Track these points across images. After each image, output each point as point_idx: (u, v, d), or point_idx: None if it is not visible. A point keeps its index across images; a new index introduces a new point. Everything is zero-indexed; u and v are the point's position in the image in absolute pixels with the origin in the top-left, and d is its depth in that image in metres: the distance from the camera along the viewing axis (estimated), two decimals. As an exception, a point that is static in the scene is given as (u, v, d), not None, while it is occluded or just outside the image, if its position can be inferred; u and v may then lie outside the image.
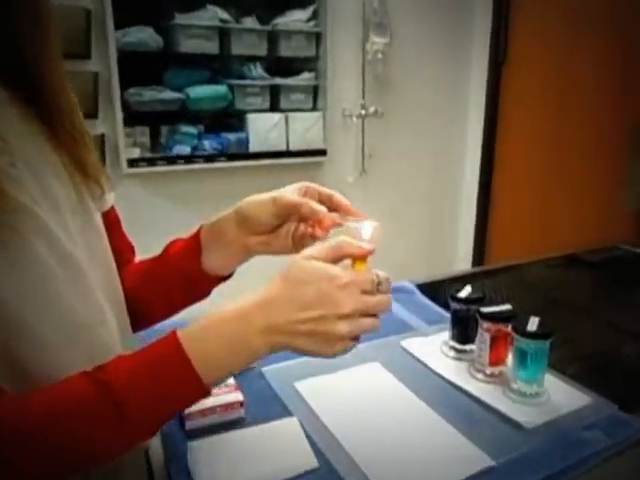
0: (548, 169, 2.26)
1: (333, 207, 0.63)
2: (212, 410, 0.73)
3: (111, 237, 0.64)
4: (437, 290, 1.19)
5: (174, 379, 0.48)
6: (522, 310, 0.80)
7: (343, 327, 0.50)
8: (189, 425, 0.72)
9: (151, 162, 1.92)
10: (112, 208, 0.69)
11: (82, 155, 0.58)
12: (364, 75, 2.33)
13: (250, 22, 2.01)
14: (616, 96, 1.93)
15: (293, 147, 2.19)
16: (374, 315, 0.52)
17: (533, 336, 0.74)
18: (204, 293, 0.69)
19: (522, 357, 0.76)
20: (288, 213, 0.62)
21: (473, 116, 2.60)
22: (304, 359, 0.85)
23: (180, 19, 1.84)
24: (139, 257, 0.76)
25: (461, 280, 1.25)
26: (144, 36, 1.79)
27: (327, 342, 0.50)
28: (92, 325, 0.54)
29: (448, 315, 1.03)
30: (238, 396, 0.76)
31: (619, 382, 0.87)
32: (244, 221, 0.63)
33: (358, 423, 0.73)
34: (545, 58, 2.21)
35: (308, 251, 0.53)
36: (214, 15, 1.90)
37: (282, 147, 2.17)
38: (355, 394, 0.80)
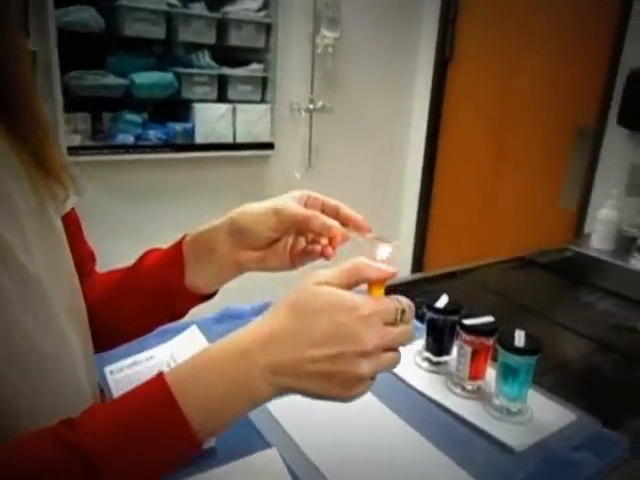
0: (491, 169, 2.34)
1: (340, 220, 0.57)
2: None
3: (71, 244, 0.55)
4: (399, 294, 1.20)
5: (162, 436, 0.39)
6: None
7: (365, 367, 0.42)
8: None
9: (93, 150, 1.83)
10: (72, 210, 0.60)
11: (47, 155, 0.51)
12: (313, 69, 2.33)
13: (199, 8, 1.95)
14: (561, 97, 2.01)
15: (240, 139, 2.16)
16: (395, 348, 0.44)
17: (521, 352, 0.71)
18: (182, 312, 0.62)
19: (507, 373, 0.73)
20: (291, 226, 0.55)
21: (418, 114, 2.66)
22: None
23: (125, 0, 1.75)
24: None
25: (418, 284, 1.28)
26: (86, 16, 1.69)
27: (345, 384, 0.42)
28: (54, 355, 0.45)
29: (416, 322, 1.07)
30: None
31: (596, 394, 0.87)
32: (239, 234, 0.55)
33: (341, 451, 0.68)
34: (491, 57, 2.28)
35: (321, 275, 0.45)
36: (161, -2, 1.83)
37: (229, 139, 2.14)
38: (333, 416, 0.75)
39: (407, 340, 0.45)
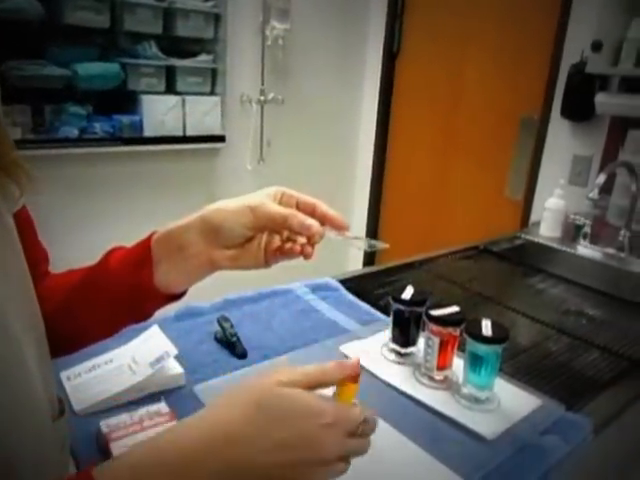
0: (440, 160, 2.40)
1: (317, 218, 0.56)
2: None
3: (23, 245, 0.51)
4: (359, 286, 1.20)
5: None
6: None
7: (322, 475, 0.41)
8: None
9: (34, 144, 1.74)
10: (24, 208, 0.55)
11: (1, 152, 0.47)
12: (264, 60, 2.30)
13: (144, -3, 1.88)
14: (507, 89, 2.07)
15: (190, 132, 2.12)
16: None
17: (489, 340, 0.72)
18: (149, 314, 0.59)
19: (475, 362, 0.74)
20: (267, 225, 0.54)
21: (368, 105, 2.69)
22: (240, 372, 0.84)
23: (66, -13, 1.67)
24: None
25: (378, 275, 1.30)
26: (22, 3, 1.59)
27: None
28: (3, 362, 0.42)
29: (379, 314, 1.07)
30: None
31: (556, 378, 0.89)
32: (213, 232, 0.53)
33: None
34: (438, 50, 2.33)
35: (285, 374, 0.42)
36: (105, -14, 1.75)
37: (179, 132, 2.09)
38: None
39: (360, 454, 0.44)
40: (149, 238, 0.56)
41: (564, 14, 1.80)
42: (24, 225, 0.54)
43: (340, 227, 0.57)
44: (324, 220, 0.56)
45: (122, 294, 0.56)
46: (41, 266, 0.60)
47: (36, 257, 0.57)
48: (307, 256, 0.56)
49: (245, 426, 0.40)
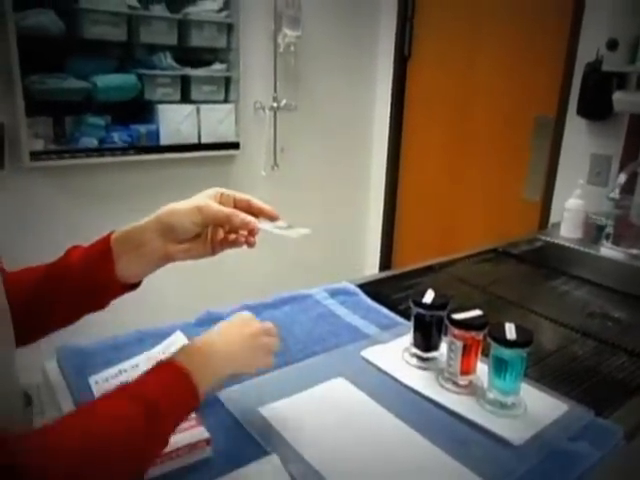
0: (455, 163, 2.39)
1: (252, 212, 0.67)
2: (175, 453, 0.64)
3: None
4: (379, 290, 1.20)
5: (185, 392, 0.60)
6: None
7: (265, 359, 0.73)
8: (148, 474, 0.63)
9: (56, 155, 1.77)
10: None
11: None
12: (276, 68, 2.32)
13: (159, 10, 1.92)
14: (521, 89, 2.06)
15: (205, 140, 2.14)
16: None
17: (513, 344, 0.71)
18: (107, 303, 0.67)
19: (500, 366, 0.74)
20: (214, 222, 0.64)
21: (380, 110, 2.69)
22: (263, 377, 0.85)
23: (85, 3, 1.71)
24: (46, 256, 0.68)
25: (398, 278, 1.29)
26: (45, 20, 1.64)
27: (263, 353, 0.72)
28: None
29: (399, 318, 1.07)
30: (203, 433, 0.67)
31: (583, 383, 0.88)
32: (169, 231, 0.63)
33: (342, 454, 0.69)
34: (450, 52, 2.32)
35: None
36: (121, 1, 1.79)
37: (194, 140, 2.11)
38: (330, 418, 0.76)
39: (276, 347, 0.75)
40: (107, 237, 0.64)
41: (578, 13, 1.79)
42: None
43: (272, 217, 0.69)
44: (259, 213, 0.68)
45: (85, 287, 0.64)
46: None
47: None
48: (250, 245, 0.68)
49: (223, 326, 0.72)
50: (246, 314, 0.74)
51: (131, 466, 0.54)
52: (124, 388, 0.56)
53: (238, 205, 0.68)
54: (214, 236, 0.68)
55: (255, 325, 0.72)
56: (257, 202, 0.68)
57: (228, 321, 0.72)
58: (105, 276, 0.63)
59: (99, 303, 0.66)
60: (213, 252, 0.69)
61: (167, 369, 0.60)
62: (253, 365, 0.72)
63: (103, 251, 0.63)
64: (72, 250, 0.65)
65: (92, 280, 0.63)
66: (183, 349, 0.65)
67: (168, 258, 0.65)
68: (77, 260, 0.63)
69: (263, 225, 0.67)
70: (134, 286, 0.67)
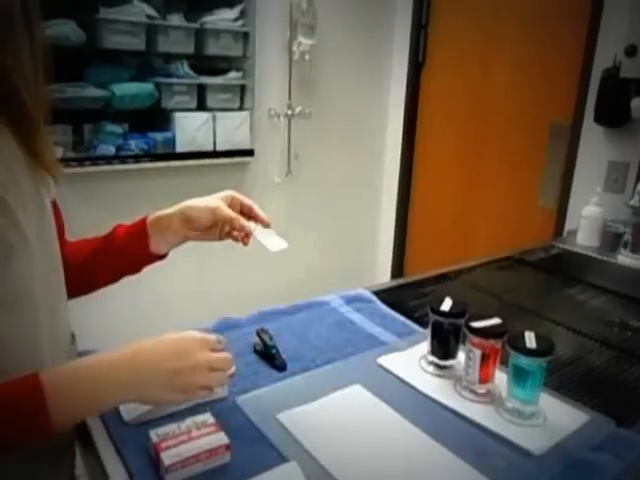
0: (469, 170, 2.39)
1: (252, 216, 0.86)
2: (195, 458, 0.65)
3: (57, 220, 0.75)
4: (395, 298, 1.20)
5: (24, 410, 0.55)
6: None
7: (205, 379, 0.64)
8: (171, 478, 0.64)
9: (75, 162, 1.80)
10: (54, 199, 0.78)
11: (41, 151, 0.65)
12: (291, 75, 2.34)
13: (177, 19, 1.94)
14: (536, 96, 2.05)
15: (220, 147, 2.16)
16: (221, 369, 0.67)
17: (533, 353, 0.71)
18: (141, 269, 0.87)
19: (519, 375, 0.73)
20: (222, 221, 0.83)
21: (394, 118, 2.69)
22: (281, 383, 0.86)
23: (105, 13, 1.74)
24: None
25: (414, 286, 1.29)
26: (66, 30, 1.67)
27: (183, 389, 0.64)
28: (34, 298, 0.64)
29: (415, 326, 1.07)
30: (222, 438, 0.68)
31: (603, 393, 0.87)
32: (189, 222, 0.83)
33: (360, 462, 0.69)
34: (464, 59, 2.33)
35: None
36: (140, 11, 1.82)
37: (209, 147, 2.13)
38: (347, 425, 0.76)
39: (224, 364, 0.67)
40: (144, 220, 0.84)
41: (595, 19, 1.78)
42: (56, 210, 0.78)
43: (264, 223, 0.86)
44: (256, 220, 0.86)
45: (128, 256, 0.85)
46: (63, 235, 0.84)
47: (61, 230, 0.82)
48: (245, 244, 0.86)
49: (150, 345, 0.63)
50: (195, 337, 0.65)
51: None
52: None
53: (243, 209, 0.86)
54: (222, 229, 0.87)
55: (188, 361, 0.62)
56: (257, 210, 0.86)
57: (157, 340, 0.64)
58: (142, 249, 0.83)
59: (136, 269, 0.87)
60: (220, 239, 0.88)
61: (22, 384, 0.55)
62: (157, 400, 0.65)
63: (141, 230, 0.83)
64: (118, 227, 0.85)
65: (133, 251, 0.84)
66: (75, 361, 0.62)
67: (186, 239, 0.86)
68: (122, 236, 0.84)
69: (256, 232, 0.84)
70: (162, 257, 0.86)
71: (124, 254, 0.84)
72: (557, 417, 0.77)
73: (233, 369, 0.89)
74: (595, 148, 1.83)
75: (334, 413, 0.79)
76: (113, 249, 0.84)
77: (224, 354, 0.67)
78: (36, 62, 0.62)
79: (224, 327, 1.06)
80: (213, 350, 0.66)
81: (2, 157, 0.59)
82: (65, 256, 0.76)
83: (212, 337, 0.67)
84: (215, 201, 0.83)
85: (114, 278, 0.88)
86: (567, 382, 0.90)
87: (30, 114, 0.62)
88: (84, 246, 0.86)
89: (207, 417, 0.74)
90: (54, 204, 0.77)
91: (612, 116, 1.71)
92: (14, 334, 0.59)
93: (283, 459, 0.69)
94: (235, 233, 0.86)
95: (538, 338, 0.73)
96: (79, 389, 0.58)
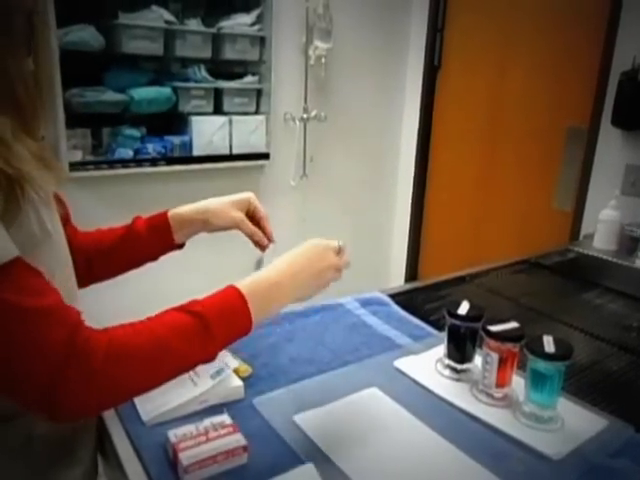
0: (483, 173, 2.38)
1: (260, 226, 0.92)
2: (213, 459, 0.67)
3: (63, 209, 0.81)
4: (409, 301, 1.20)
5: (239, 316, 0.67)
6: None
7: (333, 275, 0.77)
8: (189, 479, 0.65)
9: (93, 166, 1.83)
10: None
11: (43, 149, 0.68)
12: (306, 79, 2.35)
13: (195, 24, 1.97)
14: (553, 99, 2.04)
15: (236, 150, 2.18)
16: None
17: (552, 358, 0.70)
18: (159, 256, 0.93)
19: (538, 380, 0.73)
20: (237, 228, 0.90)
21: (409, 121, 2.69)
22: (297, 385, 0.86)
23: (124, 19, 1.77)
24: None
25: (430, 289, 1.29)
26: (86, 35, 1.70)
27: (325, 282, 0.77)
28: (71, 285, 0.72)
29: (430, 329, 1.07)
30: (240, 440, 0.69)
31: (621, 398, 0.86)
32: (207, 223, 0.90)
33: (376, 464, 0.69)
34: (480, 62, 2.32)
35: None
36: (159, 16, 1.85)
37: (225, 150, 2.15)
38: (363, 428, 0.76)
39: (346, 265, 0.80)
40: (165, 214, 0.90)
41: (613, 21, 1.77)
42: (59, 200, 0.81)
43: (268, 238, 0.92)
44: (262, 230, 0.92)
45: (150, 247, 0.90)
46: (71, 223, 0.90)
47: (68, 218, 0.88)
48: (263, 250, 0.92)
49: (300, 254, 0.76)
50: (321, 244, 0.78)
51: (180, 366, 0.64)
52: (187, 305, 0.65)
53: (255, 215, 0.93)
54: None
55: (326, 261, 0.76)
56: (267, 223, 0.93)
57: (302, 251, 0.77)
58: (165, 240, 0.90)
59: (155, 257, 0.93)
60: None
61: (227, 293, 0.68)
62: (311, 294, 0.77)
63: (164, 223, 0.89)
64: (137, 219, 0.91)
65: (156, 242, 0.90)
66: (252, 277, 0.72)
67: (203, 230, 0.92)
68: (144, 227, 0.89)
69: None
70: (181, 246, 0.93)
71: (147, 243, 0.89)
72: (575, 422, 0.77)
73: (250, 370, 0.91)
74: (612, 151, 1.81)
75: (350, 415, 0.80)
76: (138, 238, 0.89)
77: (345, 258, 0.80)
78: (39, 68, 0.65)
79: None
80: (337, 254, 0.79)
81: (19, 154, 0.61)
82: (85, 244, 0.85)
83: (336, 243, 0.79)
84: (237, 211, 0.90)
85: (136, 264, 0.93)
86: (585, 387, 0.89)
87: (29, 112, 0.65)
88: (107, 235, 0.92)
89: (224, 418, 0.75)
90: (56, 196, 0.83)
91: (630, 119, 1.70)
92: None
93: (299, 461, 0.70)
94: (254, 239, 0.93)
95: (556, 342, 0.73)
96: (263, 295, 0.70)
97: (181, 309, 0.65)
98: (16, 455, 0.66)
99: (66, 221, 0.86)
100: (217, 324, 0.64)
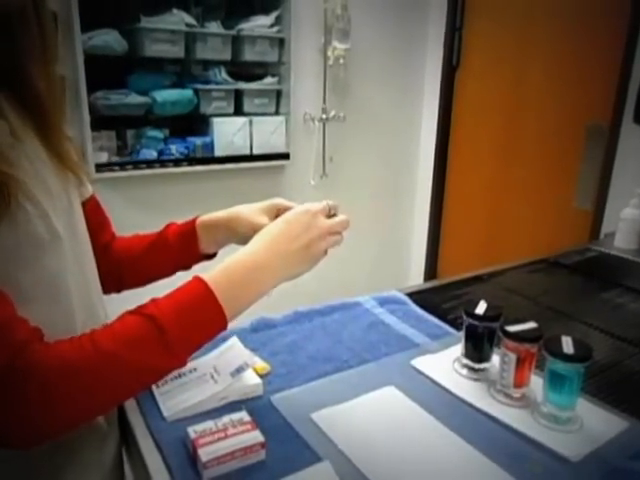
0: (502, 171, 2.36)
1: None
2: (231, 455, 0.67)
3: (98, 220, 0.83)
4: (427, 300, 1.20)
5: (204, 312, 0.61)
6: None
7: (327, 243, 0.70)
8: (208, 475, 0.66)
9: (119, 167, 1.88)
10: (92, 197, 0.82)
11: (63, 152, 0.67)
12: (325, 80, 2.36)
13: (215, 27, 2.00)
14: (572, 97, 2.02)
15: (257, 151, 2.20)
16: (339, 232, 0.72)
17: (570, 359, 0.69)
18: (190, 267, 0.90)
19: (556, 381, 0.72)
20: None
21: (428, 120, 2.68)
22: (315, 383, 0.87)
23: (146, 23, 1.81)
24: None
25: (447, 288, 1.28)
26: (110, 39, 1.74)
27: (314, 258, 0.70)
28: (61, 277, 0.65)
29: (448, 328, 1.07)
30: (258, 436, 0.70)
31: None
32: (234, 233, 0.85)
33: (392, 463, 0.69)
34: (499, 61, 2.30)
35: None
36: (180, 19, 1.88)
37: (246, 151, 2.18)
38: (380, 426, 0.76)
39: (342, 228, 0.73)
40: (194, 222, 0.87)
41: (635, 16, 1.74)
42: (94, 206, 0.83)
43: None
44: None
45: (179, 254, 0.88)
46: (109, 232, 0.91)
47: (106, 226, 0.90)
48: None
49: (281, 230, 0.69)
50: (302, 210, 0.71)
51: (141, 379, 0.61)
52: (143, 306, 0.61)
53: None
54: None
55: (315, 229, 0.69)
56: None
57: (281, 224, 0.70)
58: (192, 248, 0.87)
59: (186, 266, 0.90)
60: None
61: (191, 287, 0.63)
62: (304, 270, 0.70)
63: (190, 230, 0.87)
64: (170, 225, 0.89)
65: (183, 249, 0.87)
66: (223, 263, 0.66)
67: (230, 241, 0.88)
68: (174, 234, 0.87)
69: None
70: (212, 256, 0.90)
71: (175, 251, 0.87)
72: (594, 423, 0.76)
73: (268, 368, 0.92)
74: (634, 149, 1.78)
75: (368, 414, 0.80)
76: (166, 246, 0.88)
77: (339, 218, 0.73)
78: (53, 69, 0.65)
79: (261, 327, 1.08)
80: (328, 216, 0.72)
81: (26, 155, 0.61)
82: (117, 251, 0.86)
83: (323, 205, 0.72)
84: (264, 217, 0.82)
85: (167, 273, 0.91)
86: (605, 387, 0.88)
87: (50, 116, 0.65)
88: (138, 241, 0.90)
89: (243, 415, 0.76)
90: (93, 200, 0.82)
91: (654, 117, 1.67)
92: (49, 331, 0.57)
93: (317, 458, 0.70)
94: None
95: (575, 343, 0.72)
96: (238, 283, 0.65)
97: (136, 311, 0.60)
98: (16, 455, 0.61)
99: (103, 227, 0.88)
100: (175, 326, 0.58)
